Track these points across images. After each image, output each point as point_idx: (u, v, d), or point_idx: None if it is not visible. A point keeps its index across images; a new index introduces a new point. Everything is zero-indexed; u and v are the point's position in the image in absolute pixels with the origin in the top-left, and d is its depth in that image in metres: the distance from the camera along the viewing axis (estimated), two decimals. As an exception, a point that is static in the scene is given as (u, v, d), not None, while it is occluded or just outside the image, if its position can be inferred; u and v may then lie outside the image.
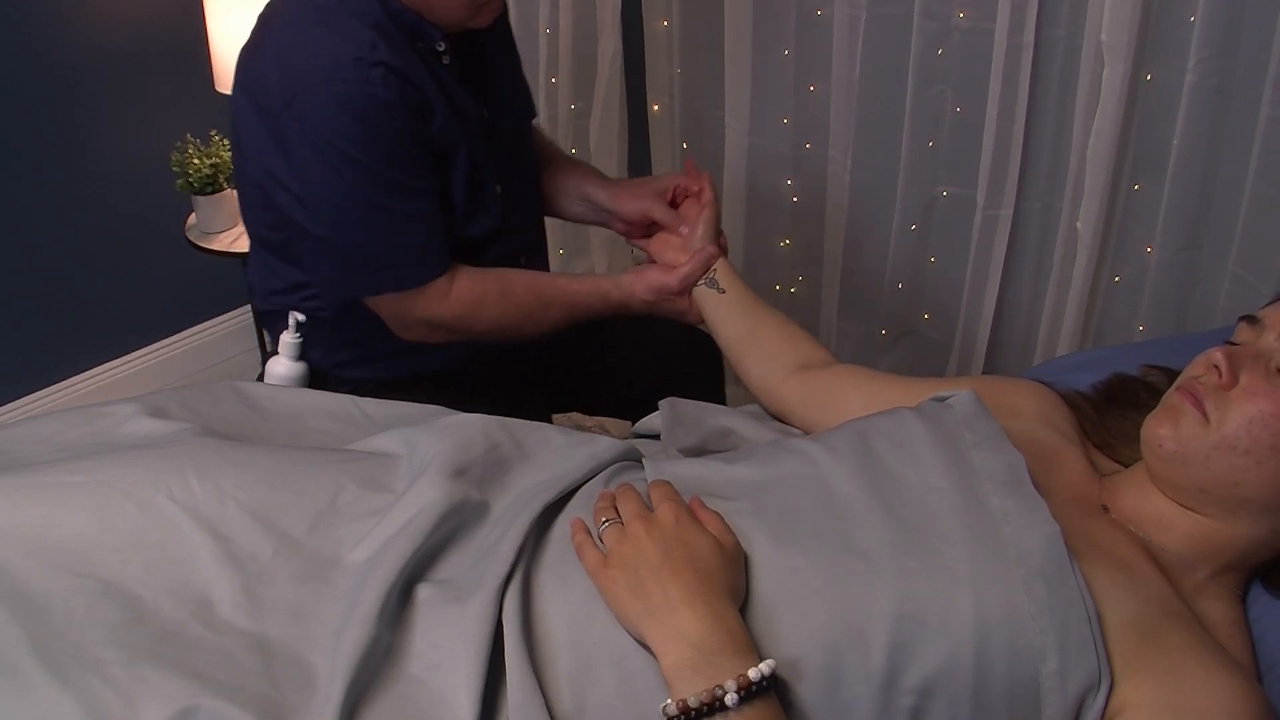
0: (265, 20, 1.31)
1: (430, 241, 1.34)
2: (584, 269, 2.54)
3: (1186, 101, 1.71)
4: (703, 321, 1.37)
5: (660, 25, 2.22)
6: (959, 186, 2.03)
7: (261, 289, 1.48)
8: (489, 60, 1.44)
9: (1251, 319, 0.94)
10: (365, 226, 1.30)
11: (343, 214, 1.29)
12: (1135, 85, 1.77)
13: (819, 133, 2.12)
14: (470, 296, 1.36)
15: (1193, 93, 1.70)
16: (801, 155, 2.17)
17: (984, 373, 2.12)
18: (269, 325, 1.53)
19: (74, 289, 2.29)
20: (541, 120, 2.43)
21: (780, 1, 2.04)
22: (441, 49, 1.32)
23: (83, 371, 2.38)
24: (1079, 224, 1.90)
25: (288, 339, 1.41)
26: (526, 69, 2.38)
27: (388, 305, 1.36)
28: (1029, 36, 1.81)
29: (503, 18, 1.48)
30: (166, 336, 2.50)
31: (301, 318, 1.41)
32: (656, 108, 2.31)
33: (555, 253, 2.61)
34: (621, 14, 2.24)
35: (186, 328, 2.52)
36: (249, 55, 1.31)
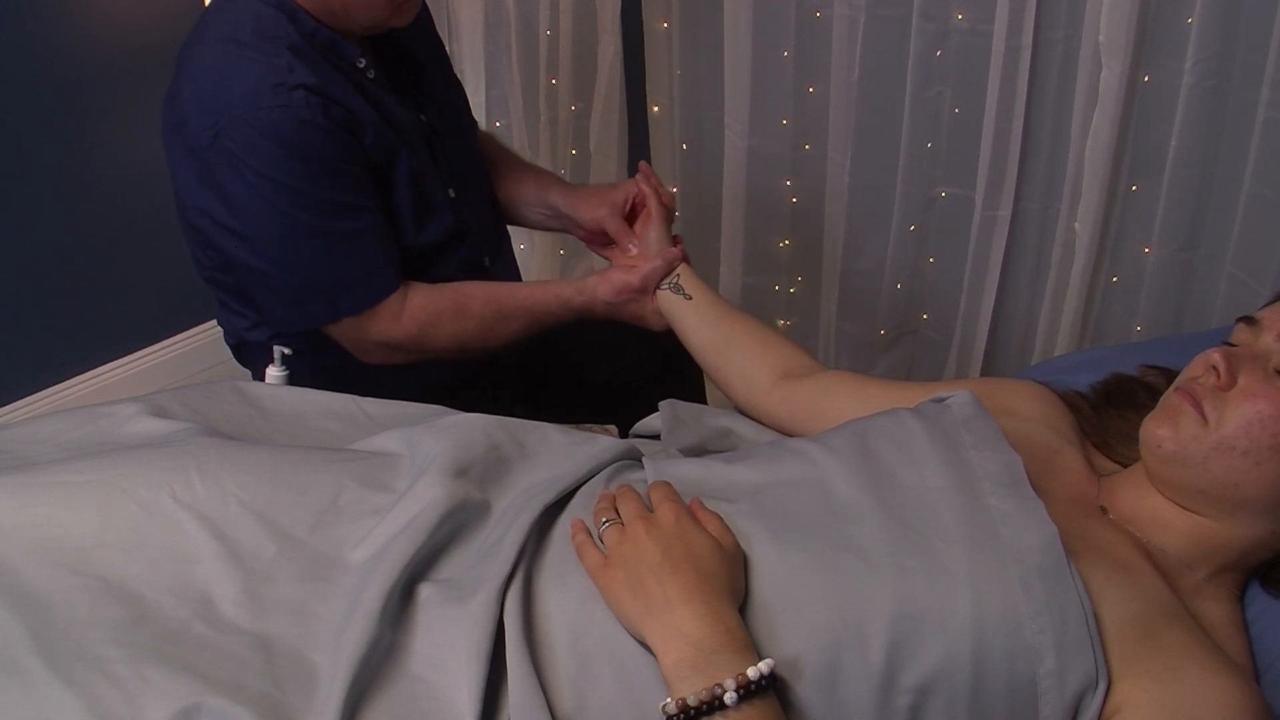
0: (181, 59, 1.28)
1: (378, 260, 1.32)
2: (583, 270, 2.54)
3: (1184, 102, 1.72)
4: (666, 328, 1.35)
5: (660, 26, 2.23)
6: (957, 187, 2.04)
7: (230, 329, 1.46)
8: (420, 65, 1.42)
9: (1250, 320, 0.94)
10: (309, 254, 1.27)
11: (284, 245, 1.26)
12: (1133, 86, 1.77)
13: (818, 134, 2.13)
14: (424, 315, 1.34)
15: (1190, 94, 1.71)
16: (801, 156, 2.18)
17: (982, 372, 2.12)
18: (247, 360, 1.51)
19: (75, 289, 2.30)
20: (542, 120, 2.44)
21: (780, 3, 2.04)
22: (362, 64, 1.30)
23: (85, 372, 2.38)
24: (1077, 224, 1.91)
25: (274, 373, 1.36)
26: (526, 69, 2.41)
27: (344, 331, 1.35)
28: (1027, 38, 1.81)
29: (427, 21, 1.47)
30: (168, 337, 2.50)
31: (287, 351, 1.36)
32: (656, 109, 2.31)
33: (555, 253, 2.61)
34: (621, 15, 2.24)
35: (188, 328, 2.52)
36: (170, 98, 1.28)
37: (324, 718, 0.78)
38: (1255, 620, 0.92)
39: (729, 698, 0.75)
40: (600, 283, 1.36)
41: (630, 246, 1.41)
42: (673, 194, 1.45)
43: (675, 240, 1.40)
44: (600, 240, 1.48)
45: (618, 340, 1.56)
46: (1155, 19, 1.72)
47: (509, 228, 1.61)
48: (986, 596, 0.81)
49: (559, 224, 1.56)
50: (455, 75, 1.55)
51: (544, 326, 1.40)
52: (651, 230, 1.39)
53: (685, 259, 1.36)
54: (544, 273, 2.62)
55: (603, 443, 1.04)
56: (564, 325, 1.41)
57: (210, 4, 1.31)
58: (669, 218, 1.41)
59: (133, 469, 0.94)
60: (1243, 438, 0.87)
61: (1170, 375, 1.00)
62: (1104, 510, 0.95)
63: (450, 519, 0.93)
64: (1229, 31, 1.66)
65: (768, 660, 0.77)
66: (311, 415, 1.15)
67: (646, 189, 1.42)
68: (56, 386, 2.34)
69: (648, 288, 1.34)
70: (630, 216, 1.45)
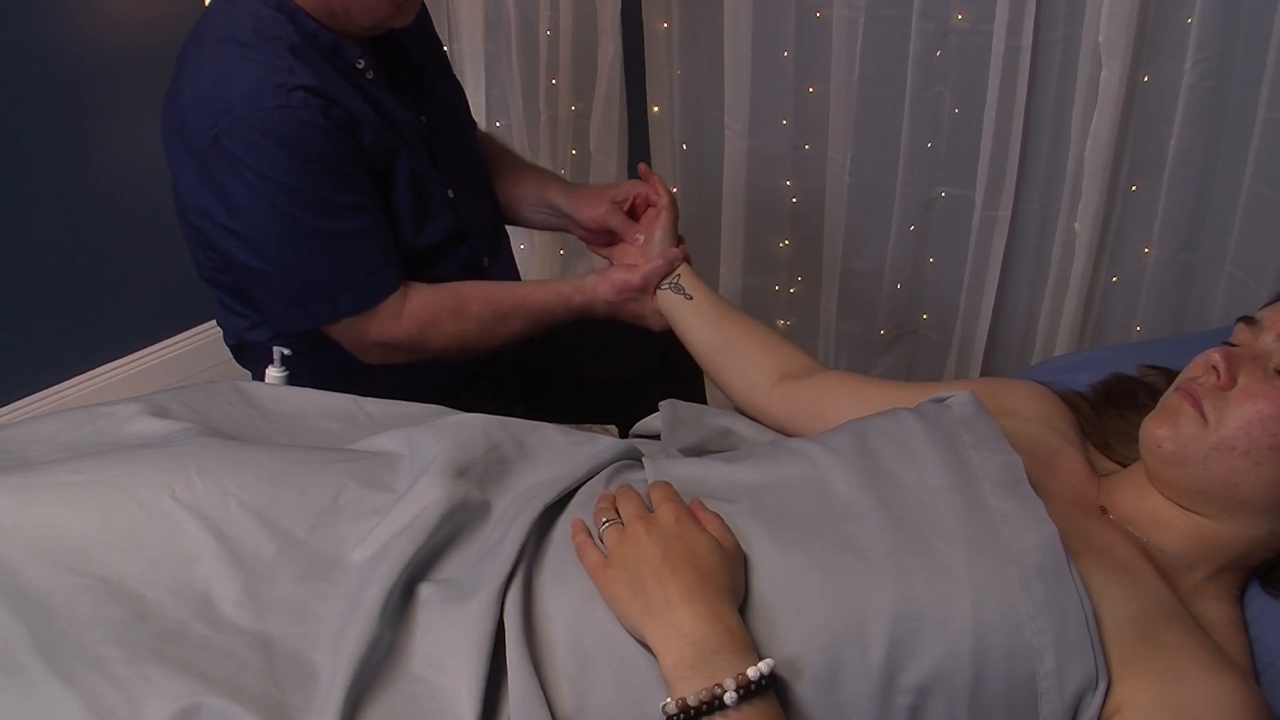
0: (181, 60, 1.29)
1: (377, 260, 1.32)
2: (584, 270, 2.54)
3: (1184, 102, 1.72)
4: (666, 328, 1.35)
5: (660, 26, 2.23)
6: (957, 187, 2.04)
7: (230, 329, 1.46)
8: (420, 66, 1.43)
9: (1249, 320, 0.94)
10: (308, 254, 1.28)
11: (284, 245, 1.27)
12: (1133, 86, 1.77)
13: (818, 134, 2.13)
14: (424, 315, 1.34)
15: (1190, 94, 1.71)
16: (801, 156, 2.18)
17: (982, 372, 2.12)
18: (247, 360, 1.51)
19: (76, 289, 2.30)
20: (542, 120, 2.44)
21: (780, 3, 2.04)
22: (362, 65, 1.31)
23: (85, 372, 2.38)
24: (1077, 224, 1.91)
25: (273, 373, 1.36)
26: (526, 69, 2.41)
27: (343, 331, 1.35)
28: (1027, 38, 1.81)
29: (427, 22, 1.47)
30: (168, 337, 2.50)
31: (287, 351, 1.36)
32: (656, 109, 2.31)
33: (555, 253, 2.61)
34: (621, 15, 2.24)
35: (188, 328, 2.52)
36: (170, 98, 1.28)
37: (324, 718, 0.78)
38: (1255, 620, 0.92)
39: (729, 698, 0.75)
40: (600, 281, 1.36)
41: (636, 236, 1.41)
42: (673, 193, 1.45)
43: (679, 241, 1.40)
44: (600, 239, 1.48)
45: (617, 339, 1.56)
46: (1155, 19, 1.73)
47: (508, 228, 1.61)
48: (986, 596, 0.81)
49: (559, 223, 1.55)
50: (455, 76, 1.55)
51: (544, 326, 1.40)
52: (657, 229, 1.39)
53: (686, 259, 1.36)
54: (544, 273, 2.62)
55: (603, 443, 1.04)
56: (563, 324, 1.41)
57: (210, 4, 1.32)
58: (675, 218, 1.41)
59: (133, 469, 0.94)
60: (1243, 438, 0.87)
61: (1170, 375, 1.00)
62: (1104, 510, 0.95)
63: (450, 519, 0.93)
64: (1229, 31, 1.66)
65: (768, 660, 0.77)
66: (311, 415, 1.15)
67: (660, 188, 1.42)
68: (56, 386, 2.34)
69: (648, 287, 1.34)
70: (631, 215, 1.45)
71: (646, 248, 1.40)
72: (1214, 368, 0.90)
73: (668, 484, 0.92)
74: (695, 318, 1.30)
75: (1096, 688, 0.79)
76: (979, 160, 1.94)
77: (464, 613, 0.84)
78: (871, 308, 2.22)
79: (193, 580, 0.88)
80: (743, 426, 1.18)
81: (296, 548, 0.91)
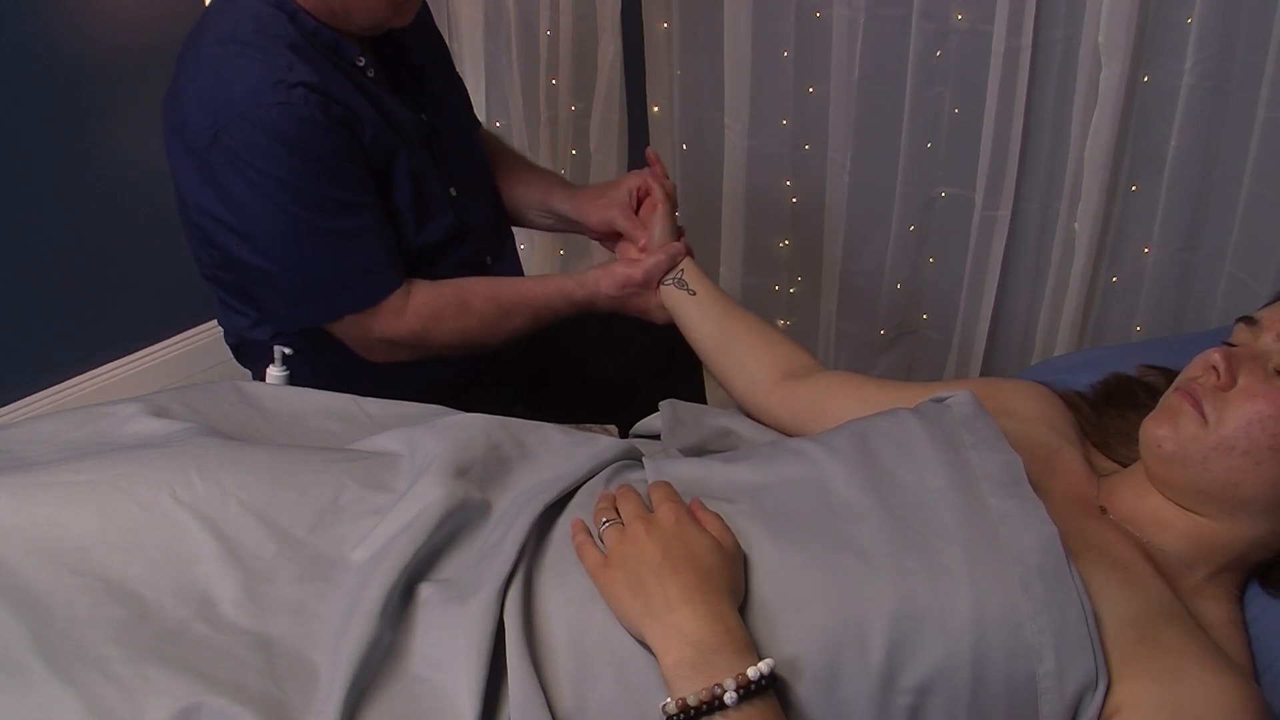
0: (181, 59, 1.29)
1: (379, 258, 1.32)
2: (585, 268, 2.54)
3: (1184, 103, 1.72)
4: (669, 322, 1.35)
5: (660, 26, 2.23)
6: (957, 187, 2.04)
7: (231, 328, 1.46)
8: (420, 66, 1.43)
9: (1249, 320, 0.94)
10: (310, 252, 1.28)
11: (285, 244, 1.27)
12: (1133, 86, 1.77)
13: (818, 134, 2.13)
14: (426, 311, 1.34)
15: (1190, 94, 1.71)
16: (801, 156, 2.18)
17: (982, 372, 2.12)
18: (247, 360, 1.51)
19: (75, 289, 2.30)
20: (542, 120, 2.44)
21: (780, 3, 2.04)
22: (362, 63, 1.31)
23: (85, 372, 2.38)
24: (1076, 224, 1.91)
25: (274, 373, 1.36)
26: (526, 69, 2.41)
27: (346, 329, 1.35)
28: (1027, 38, 1.81)
29: (428, 21, 1.47)
30: (168, 337, 2.50)
31: (288, 350, 1.37)
32: (656, 109, 2.31)
33: (556, 254, 2.61)
34: (621, 15, 2.24)
35: (188, 328, 2.52)
36: (170, 98, 1.28)
37: (324, 717, 0.78)
38: (1255, 620, 0.92)
39: (729, 698, 0.75)
40: (603, 276, 1.36)
41: (641, 239, 1.41)
42: (674, 185, 1.45)
43: (679, 233, 1.40)
44: (612, 238, 1.48)
45: (621, 334, 1.56)
46: (1155, 19, 1.73)
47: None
48: (986, 596, 0.81)
49: (564, 227, 1.56)
50: (457, 75, 1.55)
51: (546, 321, 1.40)
52: (655, 223, 1.39)
53: (689, 253, 1.36)
54: (544, 272, 2.62)
55: (603, 443, 1.04)
56: (567, 320, 1.41)
57: (210, 4, 1.32)
58: (672, 210, 1.41)
59: (133, 469, 0.94)
60: (1243, 438, 0.87)
61: (1170, 375, 1.00)
62: (1104, 510, 0.95)
63: (450, 519, 0.93)
64: (1229, 31, 1.66)
65: (768, 660, 0.77)
66: (312, 415, 1.15)
67: (652, 183, 1.42)
68: (56, 386, 2.34)
69: (650, 281, 1.34)
70: (635, 208, 1.45)
71: (648, 246, 1.40)
72: (1214, 368, 0.90)
73: (668, 484, 0.92)
74: (698, 313, 1.30)
75: (1096, 688, 0.79)
76: (979, 160, 1.94)
77: (464, 613, 0.84)
78: (871, 308, 2.22)
79: (193, 580, 0.88)
80: (743, 426, 1.18)
81: (296, 548, 0.91)
